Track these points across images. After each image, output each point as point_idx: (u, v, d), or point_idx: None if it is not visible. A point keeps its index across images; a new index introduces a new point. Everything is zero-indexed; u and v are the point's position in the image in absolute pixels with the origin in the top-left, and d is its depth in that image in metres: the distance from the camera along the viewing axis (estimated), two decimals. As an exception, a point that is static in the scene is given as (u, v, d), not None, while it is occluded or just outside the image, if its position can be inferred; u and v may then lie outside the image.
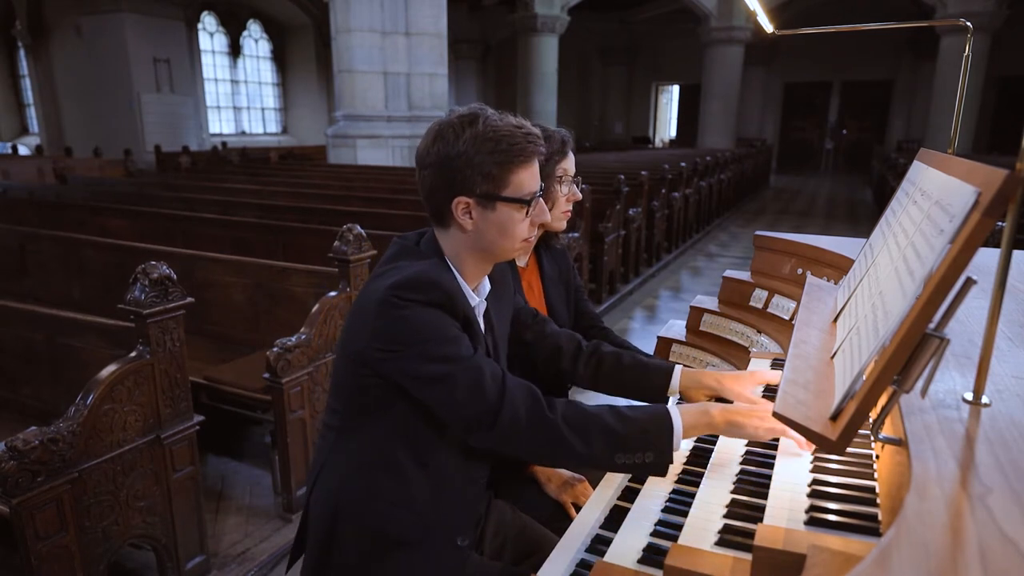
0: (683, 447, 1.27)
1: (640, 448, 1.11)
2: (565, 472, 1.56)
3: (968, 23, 1.75)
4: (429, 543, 1.21)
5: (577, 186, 1.72)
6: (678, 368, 1.45)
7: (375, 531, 1.21)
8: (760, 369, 1.47)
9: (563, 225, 1.73)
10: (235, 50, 17.81)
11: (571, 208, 1.72)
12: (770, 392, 1.39)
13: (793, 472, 1.06)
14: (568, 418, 1.13)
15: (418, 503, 1.21)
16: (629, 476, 1.23)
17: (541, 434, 1.12)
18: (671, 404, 1.19)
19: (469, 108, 1.17)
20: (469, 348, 1.14)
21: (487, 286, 1.30)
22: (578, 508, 1.41)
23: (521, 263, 1.80)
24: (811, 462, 1.08)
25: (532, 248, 1.83)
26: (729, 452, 1.22)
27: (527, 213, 1.19)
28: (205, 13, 16.59)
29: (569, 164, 1.69)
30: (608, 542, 1.03)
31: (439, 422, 1.17)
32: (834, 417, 0.88)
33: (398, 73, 9.13)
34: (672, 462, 1.12)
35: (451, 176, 1.14)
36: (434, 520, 1.22)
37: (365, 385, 1.16)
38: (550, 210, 1.63)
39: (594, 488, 1.27)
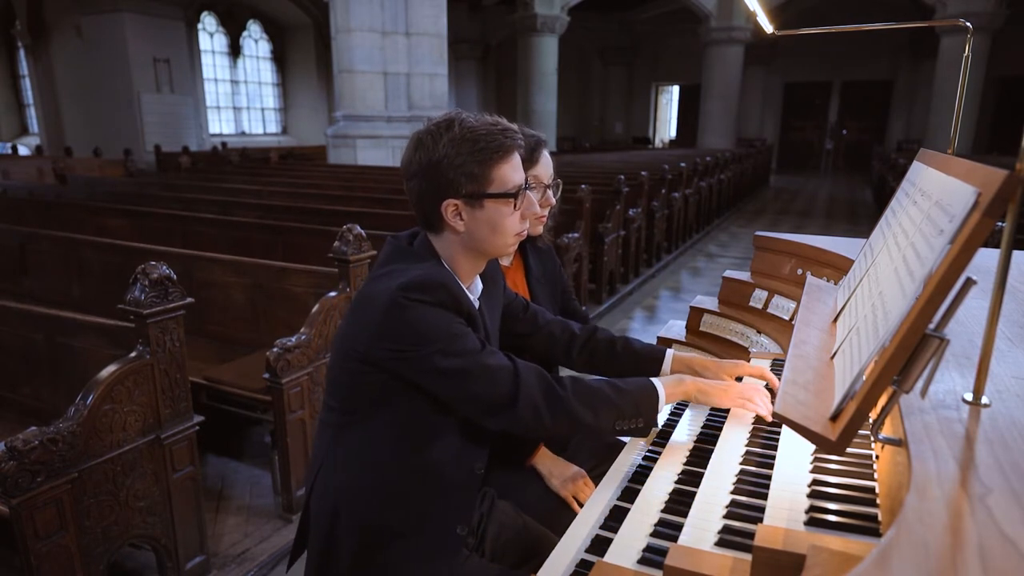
0: (682, 446, 1.31)
1: (634, 415, 1.27)
2: (568, 468, 1.57)
3: (968, 23, 1.75)
4: (428, 533, 1.24)
5: (555, 190, 1.65)
6: (669, 354, 1.54)
7: (374, 524, 1.23)
8: (741, 362, 1.53)
9: (539, 230, 1.74)
10: (235, 50, 17.80)
11: (547, 214, 1.67)
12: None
13: (793, 472, 1.06)
14: (577, 394, 1.24)
15: (415, 494, 1.23)
16: (630, 476, 1.25)
17: (558, 411, 1.21)
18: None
19: (445, 114, 1.21)
20: (476, 342, 1.18)
21: (479, 285, 1.34)
22: (580, 504, 1.44)
23: (505, 262, 1.77)
24: (811, 462, 1.08)
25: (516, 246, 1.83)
26: (729, 452, 1.22)
27: (515, 206, 1.22)
28: (205, 13, 16.59)
29: (541, 171, 1.62)
30: (608, 542, 1.03)
31: (437, 414, 1.21)
32: (834, 417, 0.88)
33: (398, 73, 9.14)
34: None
35: (436, 181, 1.18)
36: (432, 510, 1.24)
37: (364, 382, 1.19)
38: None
39: (596, 485, 1.28)
